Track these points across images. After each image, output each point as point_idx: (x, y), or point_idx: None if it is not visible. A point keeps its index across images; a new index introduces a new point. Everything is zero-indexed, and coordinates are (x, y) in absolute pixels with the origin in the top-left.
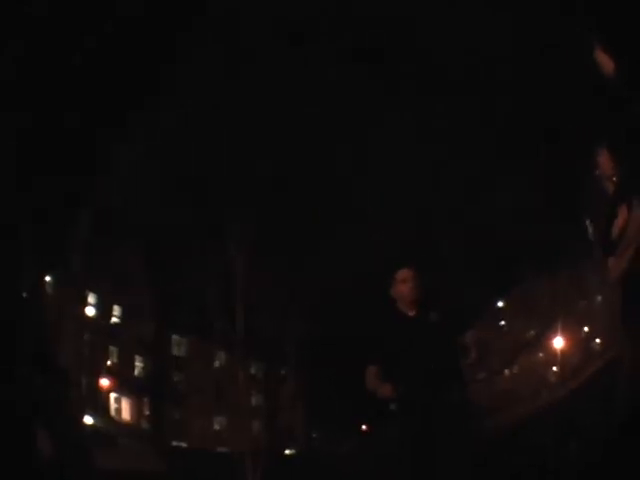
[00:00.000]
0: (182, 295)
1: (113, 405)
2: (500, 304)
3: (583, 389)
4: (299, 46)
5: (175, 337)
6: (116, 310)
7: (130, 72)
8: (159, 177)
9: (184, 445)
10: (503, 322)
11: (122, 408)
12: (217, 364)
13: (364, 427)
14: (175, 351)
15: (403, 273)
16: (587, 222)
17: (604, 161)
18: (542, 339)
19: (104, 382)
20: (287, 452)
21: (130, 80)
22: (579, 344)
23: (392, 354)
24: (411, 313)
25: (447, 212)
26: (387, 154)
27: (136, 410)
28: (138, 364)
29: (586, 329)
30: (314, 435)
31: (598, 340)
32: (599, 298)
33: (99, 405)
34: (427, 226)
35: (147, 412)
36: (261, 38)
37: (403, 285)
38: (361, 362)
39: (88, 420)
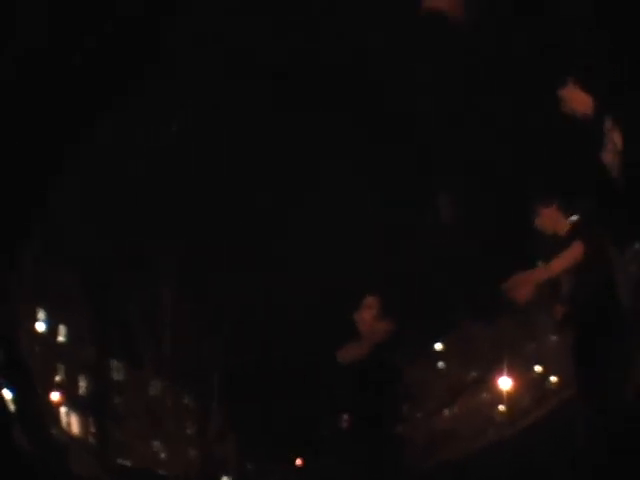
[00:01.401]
0: (114, 322)
1: (64, 419)
2: (438, 346)
3: (537, 427)
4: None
5: (114, 362)
6: (62, 330)
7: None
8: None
9: (128, 464)
10: (441, 363)
11: (71, 422)
12: (151, 391)
13: (298, 461)
14: (115, 375)
15: (369, 300)
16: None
17: (551, 217)
18: (485, 380)
19: (54, 396)
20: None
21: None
22: (530, 384)
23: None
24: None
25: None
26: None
27: (83, 426)
28: (82, 384)
29: (538, 368)
30: (248, 466)
31: (553, 379)
32: (553, 338)
33: (52, 417)
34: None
35: (92, 429)
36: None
37: (368, 312)
38: (289, 392)
39: (46, 430)
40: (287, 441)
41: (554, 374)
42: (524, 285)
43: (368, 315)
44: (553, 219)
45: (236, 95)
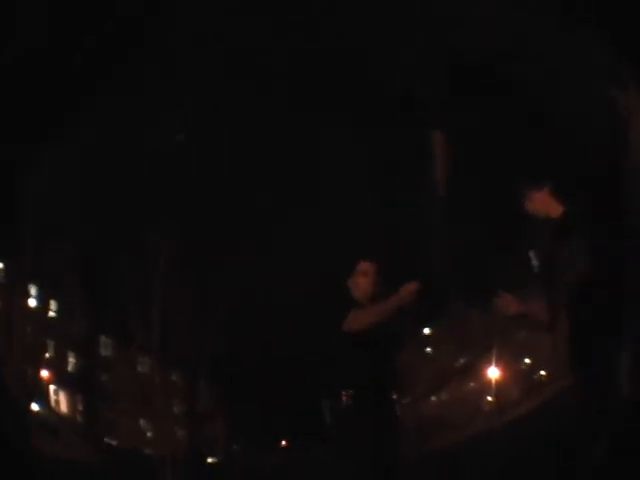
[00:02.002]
0: (107, 298)
1: (53, 397)
2: (426, 331)
3: (526, 419)
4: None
5: (103, 338)
6: (53, 305)
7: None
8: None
9: (114, 443)
10: (429, 349)
11: (60, 400)
12: (140, 369)
13: (283, 442)
14: (103, 352)
15: (363, 265)
16: (529, 253)
17: (543, 201)
18: (474, 368)
19: (44, 373)
20: (209, 461)
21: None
22: (518, 375)
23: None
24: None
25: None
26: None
27: (72, 404)
28: (71, 360)
29: (528, 360)
30: (235, 447)
31: (542, 372)
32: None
33: (42, 395)
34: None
35: (80, 408)
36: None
37: (362, 278)
38: (281, 376)
39: (35, 407)
40: (276, 424)
41: (544, 366)
42: (513, 305)
43: (363, 281)
44: (545, 203)
45: (234, 91)
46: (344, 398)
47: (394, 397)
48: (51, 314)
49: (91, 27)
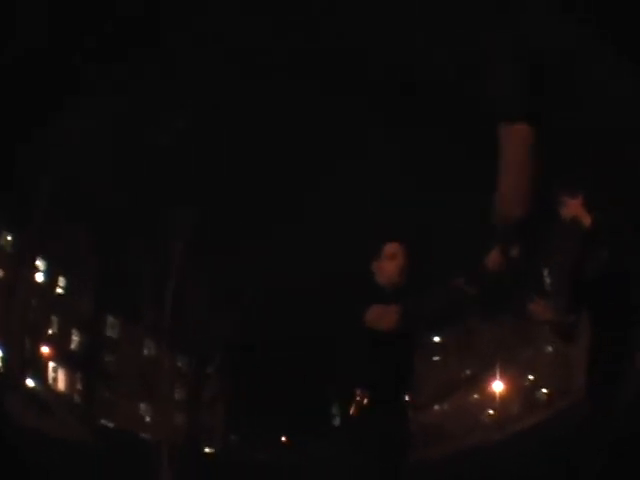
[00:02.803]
0: (119, 278)
1: (51, 374)
2: (436, 339)
3: (524, 436)
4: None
5: (110, 318)
6: (61, 281)
7: None
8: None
9: (110, 425)
10: (437, 357)
11: (58, 378)
12: (146, 352)
13: (283, 439)
14: (109, 332)
15: (392, 247)
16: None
17: (576, 209)
18: (479, 380)
19: (44, 349)
20: (206, 450)
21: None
22: (521, 391)
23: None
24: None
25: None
26: (343, 171)
27: (70, 383)
28: (75, 338)
29: (531, 377)
30: (232, 438)
31: (545, 390)
32: (549, 348)
33: (39, 371)
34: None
35: (79, 387)
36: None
37: (390, 262)
38: (289, 370)
39: (30, 383)
40: (276, 417)
41: (547, 383)
42: (547, 311)
43: (390, 265)
44: (577, 211)
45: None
46: (357, 396)
47: (407, 398)
48: (58, 290)
49: (91, 27)
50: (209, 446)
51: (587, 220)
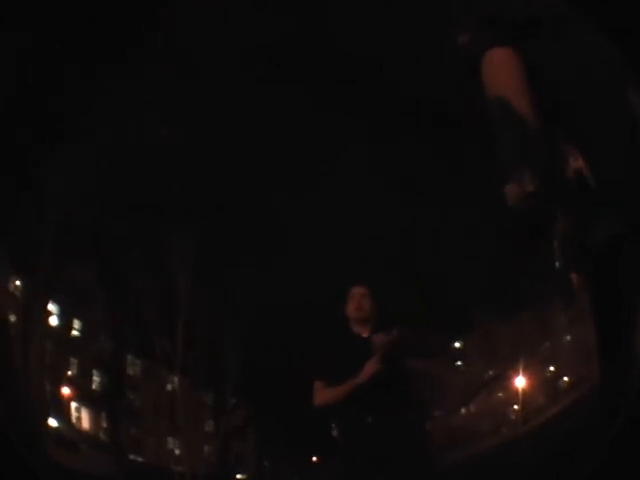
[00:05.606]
0: (134, 315)
1: (74, 414)
2: (457, 344)
3: (549, 426)
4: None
5: (130, 357)
6: (76, 324)
7: None
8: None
9: (140, 460)
10: (459, 362)
11: (82, 417)
12: (169, 387)
13: (314, 459)
14: (130, 370)
15: (352, 290)
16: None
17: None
18: (502, 379)
19: (65, 390)
20: (238, 477)
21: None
22: (544, 383)
23: (338, 375)
24: (364, 334)
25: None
26: (335, 188)
27: (95, 421)
28: (96, 378)
29: (552, 368)
30: (265, 463)
31: (566, 378)
32: (567, 337)
33: (61, 411)
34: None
35: (105, 425)
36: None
37: (350, 303)
38: (308, 388)
39: (52, 423)
40: (306, 439)
41: (568, 371)
42: None
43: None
44: (582, 165)
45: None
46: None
47: (421, 412)
48: (74, 332)
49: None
50: (241, 473)
51: (592, 176)
